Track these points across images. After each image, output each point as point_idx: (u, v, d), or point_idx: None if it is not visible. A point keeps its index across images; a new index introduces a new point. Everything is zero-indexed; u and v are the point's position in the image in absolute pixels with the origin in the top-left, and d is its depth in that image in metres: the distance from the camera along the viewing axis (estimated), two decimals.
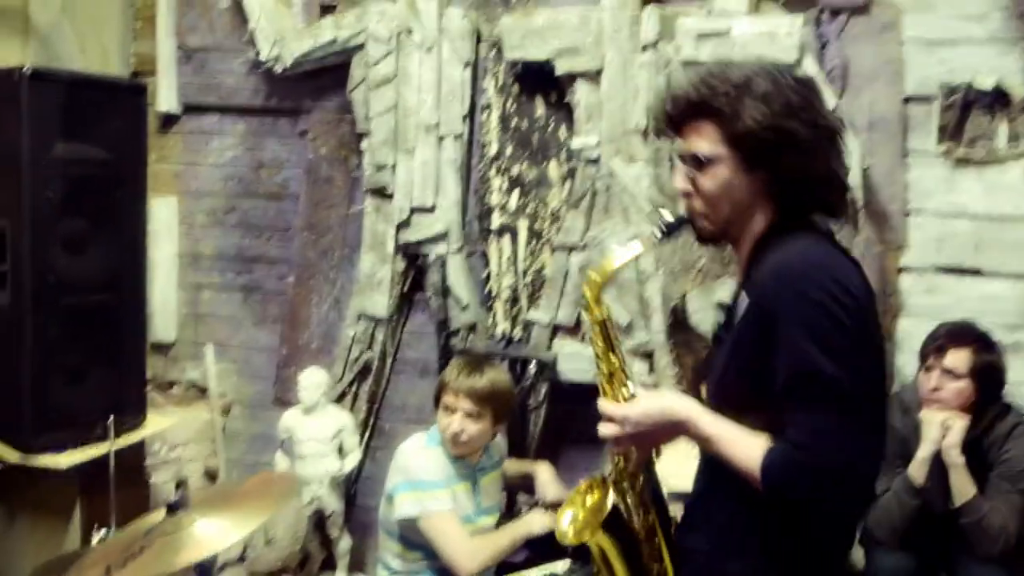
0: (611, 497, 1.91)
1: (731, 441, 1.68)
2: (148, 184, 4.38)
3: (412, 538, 2.96)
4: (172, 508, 2.13)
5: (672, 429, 1.78)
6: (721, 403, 1.75)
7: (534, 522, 2.94)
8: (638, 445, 1.84)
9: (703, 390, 1.88)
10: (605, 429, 1.82)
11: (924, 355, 3.04)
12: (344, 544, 4.02)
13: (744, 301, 1.74)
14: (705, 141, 1.75)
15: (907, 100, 3.41)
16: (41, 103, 3.08)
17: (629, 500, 1.91)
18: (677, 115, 1.80)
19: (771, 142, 1.69)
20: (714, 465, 1.75)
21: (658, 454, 1.92)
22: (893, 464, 2.99)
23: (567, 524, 2.02)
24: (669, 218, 1.85)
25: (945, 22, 3.34)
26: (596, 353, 1.93)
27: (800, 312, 1.61)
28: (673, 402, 1.78)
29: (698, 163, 1.76)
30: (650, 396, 1.86)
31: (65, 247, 3.22)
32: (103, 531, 2.54)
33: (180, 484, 3.97)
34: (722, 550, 1.77)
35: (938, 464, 2.93)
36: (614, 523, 1.89)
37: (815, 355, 1.58)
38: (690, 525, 1.90)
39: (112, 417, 2.83)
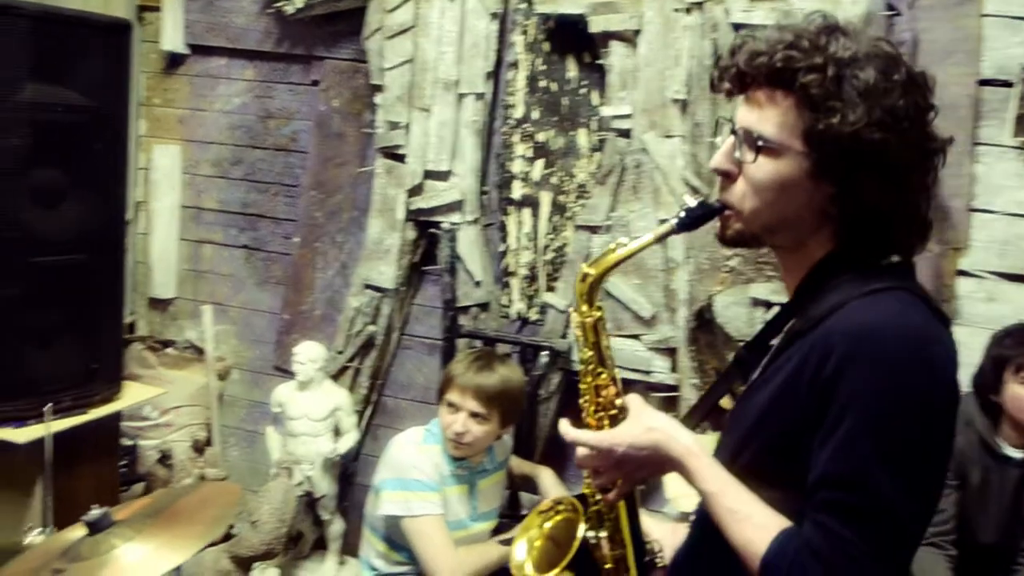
0: (582, 530, 1.64)
1: (733, 510, 1.33)
2: (150, 129, 4.18)
3: (397, 539, 2.81)
4: (92, 527, 1.85)
5: (663, 466, 1.43)
6: (734, 461, 1.40)
7: None
8: (621, 479, 1.51)
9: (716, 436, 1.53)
10: (583, 458, 1.49)
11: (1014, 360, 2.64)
12: (336, 527, 3.80)
13: (792, 343, 1.37)
14: (774, 121, 1.35)
15: (982, 83, 3.02)
16: (5, 40, 2.77)
17: (602, 533, 1.64)
18: (747, 72, 1.38)
19: (853, 153, 1.30)
20: (709, 523, 1.39)
21: (643, 483, 1.60)
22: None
23: (522, 557, 1.74)
24: (692, 203, 1.45)
25: None
26: (582, 361, 1.58)
27: (873, 401, 1.23)
28: (668, 437, 1.42)
29: (755, 145, 1.36)
30: (641, 422, 1.46)
31: (34, 200, 2.94)
32: (37, 531, 2.27)
33: (164, 456, 3.77)
34: None
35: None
36: (581, 561, 1.63)
37: (874, 464, 1.22)
38: None
39: (50, 405, 2.55)
